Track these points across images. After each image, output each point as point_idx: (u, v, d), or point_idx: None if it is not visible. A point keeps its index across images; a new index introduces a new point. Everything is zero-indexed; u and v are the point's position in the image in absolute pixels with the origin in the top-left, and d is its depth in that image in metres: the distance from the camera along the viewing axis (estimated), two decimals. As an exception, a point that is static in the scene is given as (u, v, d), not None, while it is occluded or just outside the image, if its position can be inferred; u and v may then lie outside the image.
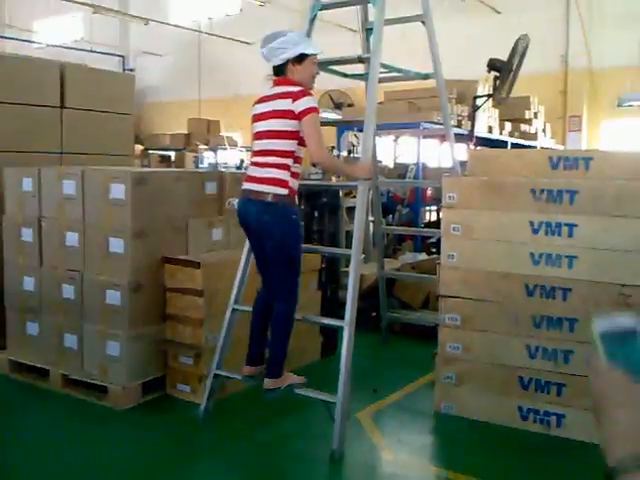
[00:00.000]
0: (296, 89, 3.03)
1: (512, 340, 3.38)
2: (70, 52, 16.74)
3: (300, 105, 2.99)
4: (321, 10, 3.81)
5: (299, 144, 3.06)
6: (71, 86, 4.88)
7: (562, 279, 3.25)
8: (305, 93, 3.03)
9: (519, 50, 6.56)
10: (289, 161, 3.06)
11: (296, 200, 3.20)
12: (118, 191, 3.65)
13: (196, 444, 3.23)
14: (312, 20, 3.81)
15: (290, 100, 3.01)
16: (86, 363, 3.76)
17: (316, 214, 4.98)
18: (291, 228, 3.10)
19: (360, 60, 3.74)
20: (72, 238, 3.83)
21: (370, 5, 3.74)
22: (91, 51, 16.20)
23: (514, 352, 3.37)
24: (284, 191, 3.05)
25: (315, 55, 3.14)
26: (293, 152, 3.06)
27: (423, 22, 4.10)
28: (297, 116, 3.00)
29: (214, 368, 3.47)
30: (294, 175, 3.09)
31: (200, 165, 11.93)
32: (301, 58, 3.07)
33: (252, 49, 15.58)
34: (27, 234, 4.00)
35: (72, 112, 4.90)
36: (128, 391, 3.59)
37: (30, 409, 3.66)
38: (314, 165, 10.37)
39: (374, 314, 4.95)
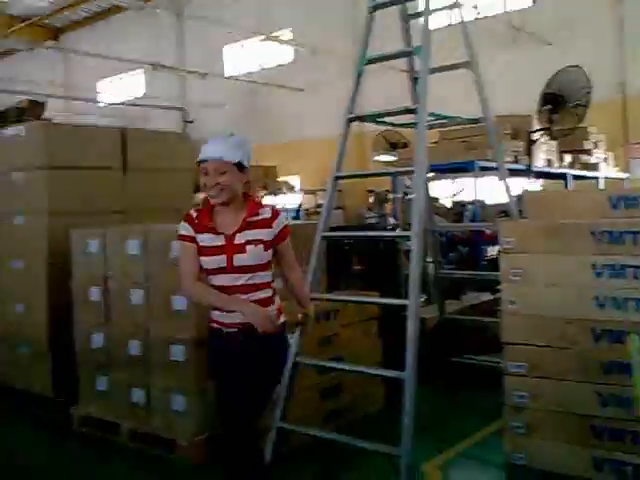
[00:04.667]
0: None
1: (582, 387, 3.26)
2: (133, 108, 17.50)
3: None
4: (367, 64, 3.88)
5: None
6: (132, 148, 5.10)
7: (631, 323, 3.13)
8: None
9: (564, 81, 6.50)
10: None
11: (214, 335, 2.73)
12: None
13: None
14: (359, 75, 3.88)
15: None
16: (153, 417, 3.84)
17: (373, 261, 4.99)
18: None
19: (408, 111, 3.78)
20: (137, 296, 3.95)
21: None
22: (152, 106, 16.85)
23: (584, 400, 3.25)
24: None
25: (199, 163, 2.63)
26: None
27: (469, 68, 4.11)
28: None
29: (277, 421, 3.49)
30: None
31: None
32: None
33: (304, 95, 15.95)
34: (94, 293, 4.15)
35: (133, 173, 5.10)
36: (194, 445, 3.64)
37: (99, 462, 3.76)
38: (370, 209, 10.43)
39: (438, 359, 4.87)
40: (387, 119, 4.36)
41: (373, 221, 7.19)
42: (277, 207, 2.71)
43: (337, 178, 3.93)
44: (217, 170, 2.54)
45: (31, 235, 4.66)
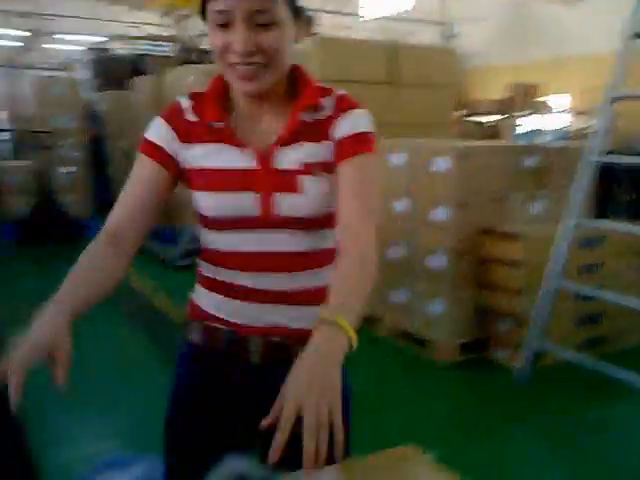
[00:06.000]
0: None
1: None
2: (395, 23, 17.64)
3: None
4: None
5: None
6: (401, 63, 5.27)
7: None
8: None
9: None
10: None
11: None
12: (443, 164, 3.91)
13: (509, 409, 3.38)
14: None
15: None
16: (412, 317, 4.18)
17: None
18: None
19: None
20: (400, 205, 4.22)
21: None
22: (415, 20, 16.82)
23: None
24: None
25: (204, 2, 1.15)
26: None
27: None
28: None
29: (532, 338, 3.57)
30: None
31: (516, 132, 11.74)
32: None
33: (578, 6, 14.61)
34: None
35: (401, 87, 5.29)
36: (448, 348, 3.91)
37: (359, 351, 4.19)
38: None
39: None
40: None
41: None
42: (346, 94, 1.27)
43: (614, 100, 3.66)
44: (256, 14, 1.10)
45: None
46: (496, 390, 3.59)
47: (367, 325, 4.46)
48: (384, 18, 19.41)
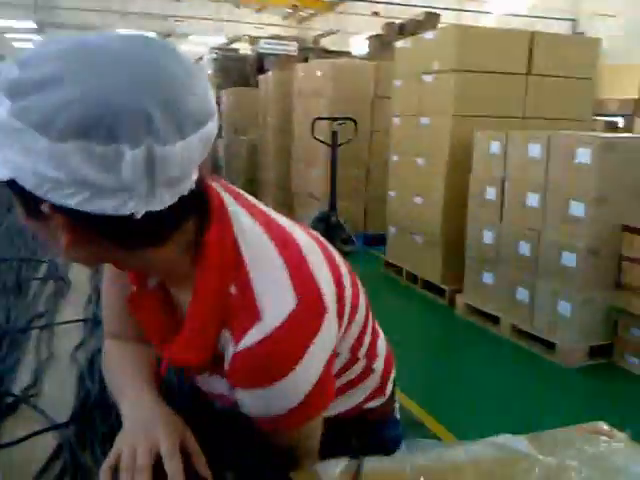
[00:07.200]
0: None
1: None
2: (520, 19, 17.05)
3: None
4: None
5: None
6: (538, 53, 5.03)
7: None
8: None
9: None
10: None
11: None
12: (584, 156, 3.69)
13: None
14: None
15: None
16: (535, 317, 3.97)
17: None
18: None
19: None
20: (533, 199, 4.03)
21: None
22: (540, 17, 16.17)
23: None
24: None
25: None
26: None
27: None
28: None
29: (671, 345, 3.31)
30: None
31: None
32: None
33: None
34: (491, 192, 4.35)
35: (537, 78, 5.05)
36: (574, 351, 3.69)
37: (479, 349, 4.07)
38: None
39: None
40: None
41: None
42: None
43: None
44: None
45: (434, 135, 5.03)
46: (626, 399, 3.34)
47: (486, 322, 4.32)
48: (511, 15, 18.83)
